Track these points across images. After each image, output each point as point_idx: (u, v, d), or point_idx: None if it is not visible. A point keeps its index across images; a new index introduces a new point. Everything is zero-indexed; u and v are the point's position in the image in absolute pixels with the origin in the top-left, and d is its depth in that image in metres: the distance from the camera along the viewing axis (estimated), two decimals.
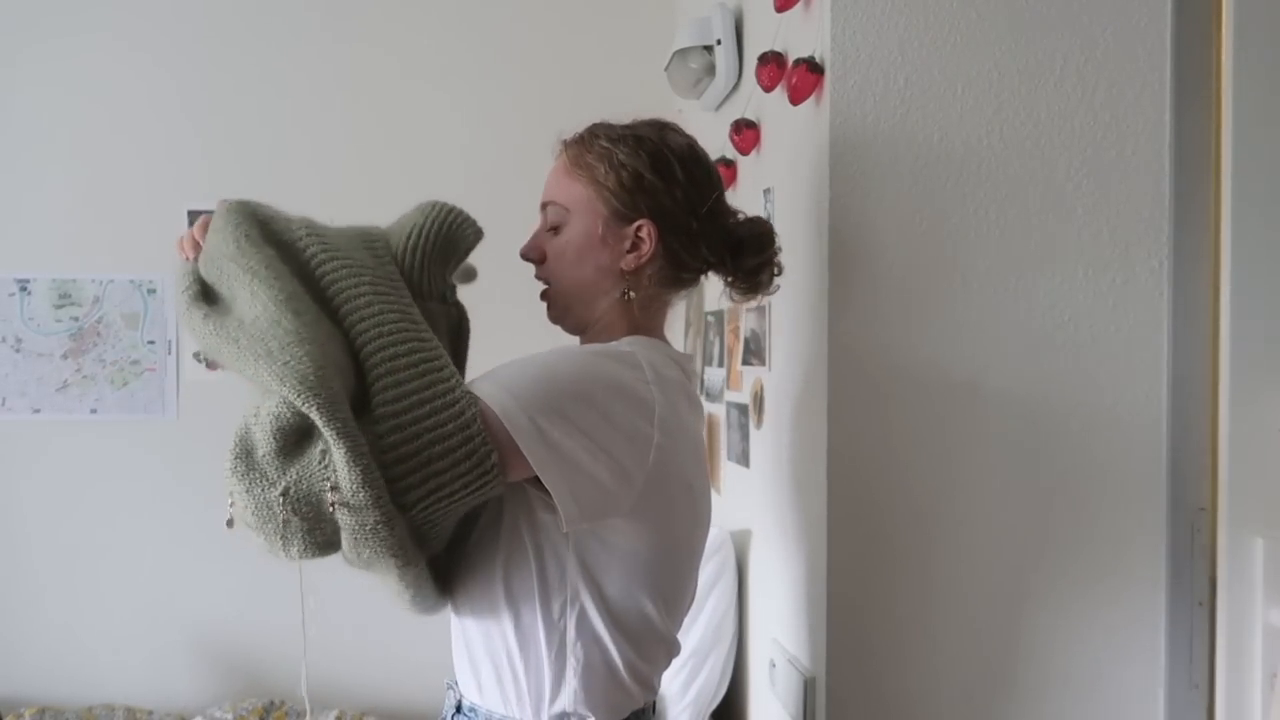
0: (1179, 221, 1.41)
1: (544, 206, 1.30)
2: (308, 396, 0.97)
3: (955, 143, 1.40)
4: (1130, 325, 1.42)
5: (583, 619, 1.17)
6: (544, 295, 1.32)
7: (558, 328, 1.33)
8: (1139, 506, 1.41)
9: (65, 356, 2.65)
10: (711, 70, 1.96)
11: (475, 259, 1.31)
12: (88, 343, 2.65)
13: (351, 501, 0.98)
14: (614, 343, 1.23)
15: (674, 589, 1.23)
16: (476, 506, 1.15)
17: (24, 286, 2.64)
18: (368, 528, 1.00)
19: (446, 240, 1.23)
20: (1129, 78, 1.41)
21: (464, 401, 1.05)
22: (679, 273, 1.29)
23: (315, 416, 0.97)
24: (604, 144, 1.26)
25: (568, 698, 1.17)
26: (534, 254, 1.30)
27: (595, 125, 1.30)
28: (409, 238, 1.20)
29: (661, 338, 1.33)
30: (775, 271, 1.35)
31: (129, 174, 2.65)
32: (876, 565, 1.40)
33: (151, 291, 2.66)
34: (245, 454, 1.05)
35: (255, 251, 1.09)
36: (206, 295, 1.13)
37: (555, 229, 1.28)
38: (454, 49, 2.67)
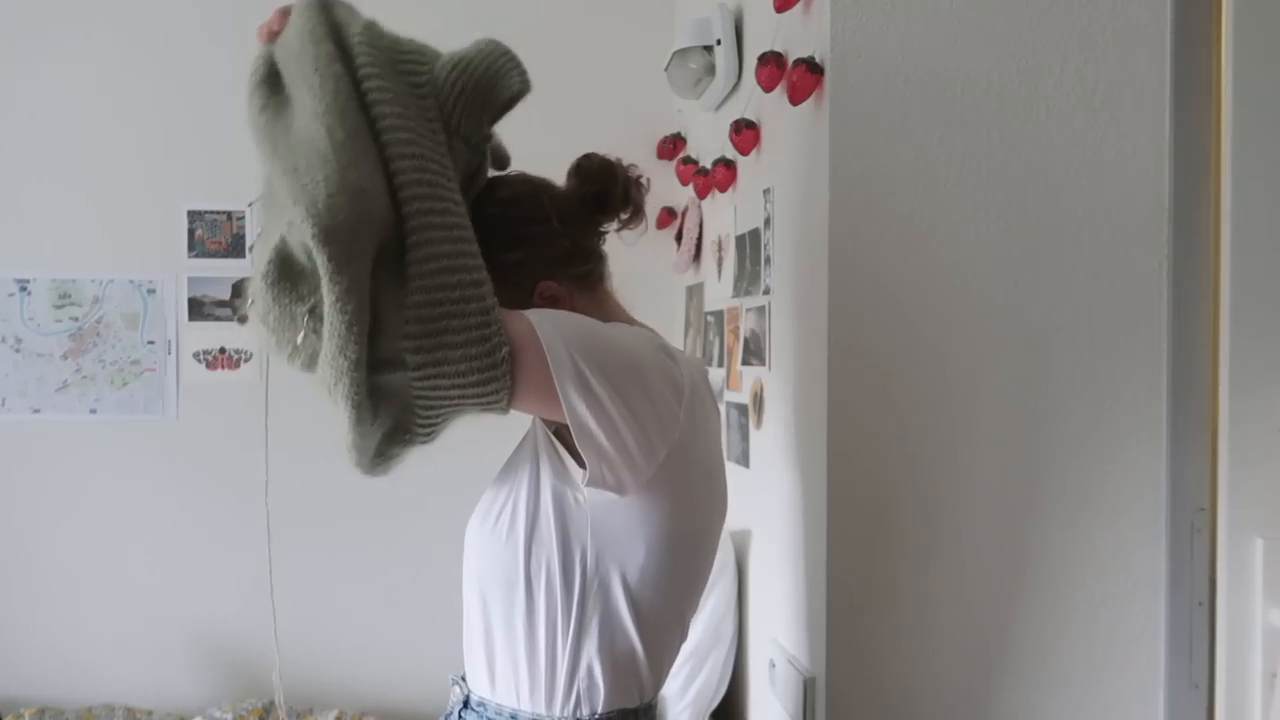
0: (1178, 221, 1.41)
1: None
2: (311, 225, 0.96)
3: (955, 142, 1.40)
4: (1130, 325, 1.42)
5: (605, 605, 1.17)
6: None
7: None
8: (1139, 506, 1.41)
9: (65, 357, 2.65)
10: (711, 70, 1.97)
11: None
12: (87, 343, 2.65)
13: (330, 343, 0.99)
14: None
15: (691, 574, 1.24)
16: (506, 493, 1.16)
17: (24, 287, 2.64)
18: (340, 370, 1.01)
19: (490, 81, 1.19)
20: (1129, 78, 1.41)
21: (489, 288, 1.05)
22: (593, 277, 1.28)
23: (312, 246, 0.97)
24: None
25: (583, 686, 1.17)
26: None
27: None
28: (453, 68, 1.17)
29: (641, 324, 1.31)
30: (633, 183, 1.30)
31: (129, 174, 2.65)
32: (876, 565, 1.40)
33: (151, 292, 2.66)
34: (281, 262, 1.03)
35: (314, 50, 1.06)
36: (272, 84, 1.10)
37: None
38: (452, 48, 2.67)
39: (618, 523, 1.16)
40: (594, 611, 1.17)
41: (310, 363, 1.05)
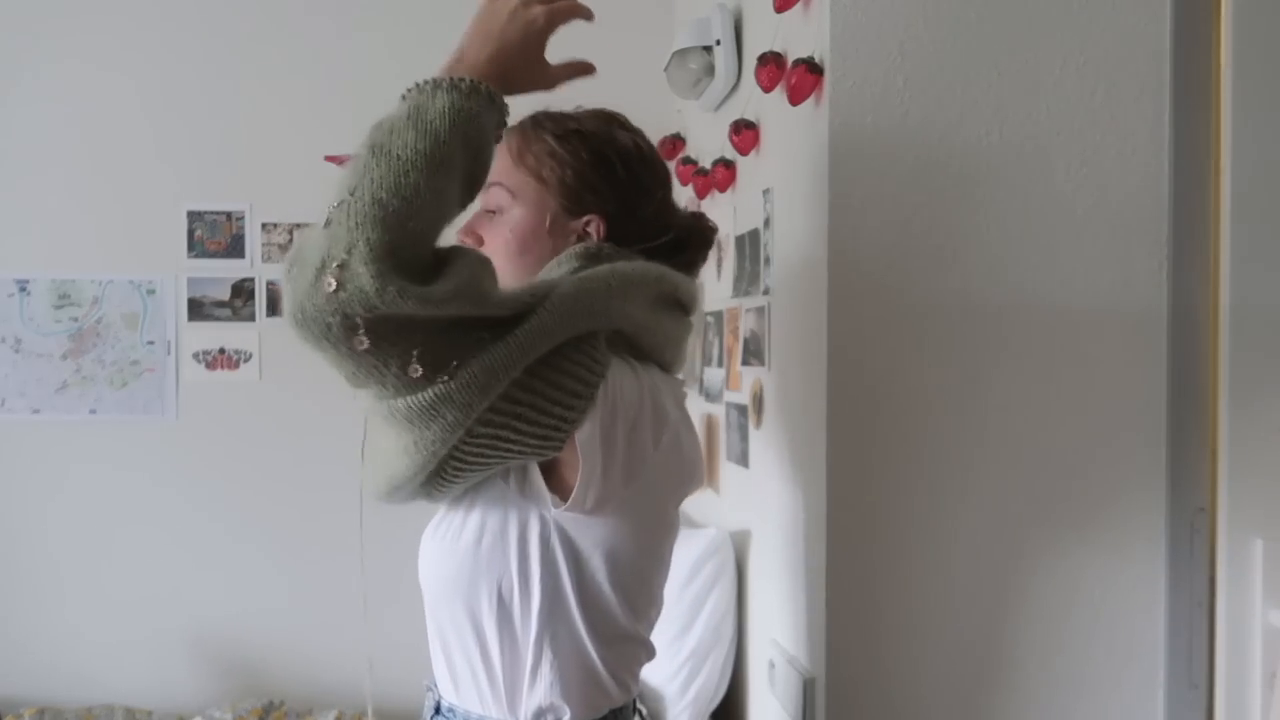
0: (1178, 221, 1.41)
1: (488, 186, 1.23)
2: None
3: (955, 143, 1.40)
4: (1130, 325, 1.42)
5: (557, 616, 1.16)
6: None
7: None
8: (1138, 507, 1.41)
9: (65, 357, 2.65)
10: (711, 71, 1.96)
11: None
12: (87, 343, 2.65)
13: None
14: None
15: (641, 593, 1.23)
16: (467, 501, 1.17)
17: (23, 287, 2.64)
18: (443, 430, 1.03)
19: None
20: (1128, 78, 1.41)
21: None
22: (636, 247, 1.26)
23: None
24: (549, 139, 1.25)
25: (543, 693, 1.16)
26: (470, 237, 1.26)
27: (539, 115, 1.28)
28: None
29: None
30: (703, 261, 1.35)
31: (128, 175, 2.65)
32: (876, 566, 1.40)
33: (151, 292, 2.66)
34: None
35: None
36: None
37: (493, 212, 1.25)
38: (452, 49, 2.67)
39: (571, 538, 1.15)
40: (549, 624, 1.15)
41: (399, 392, 1.03)
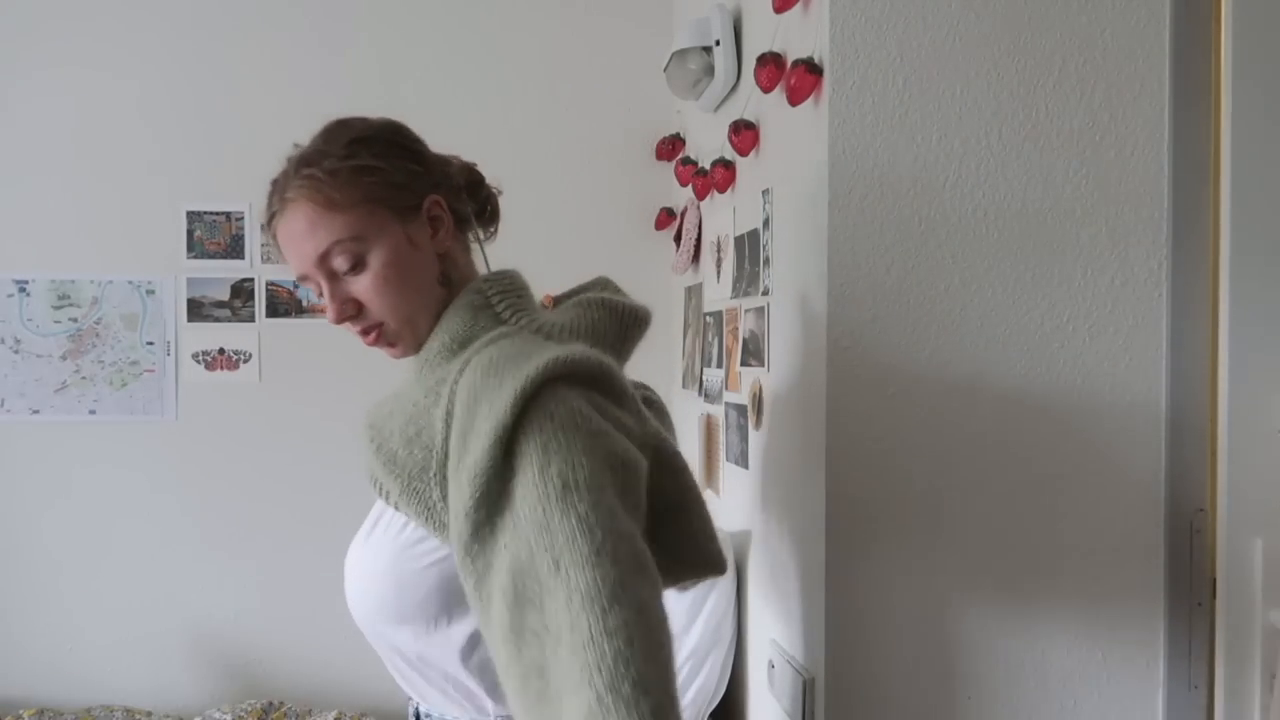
0: (1178, 222, 1.41)
1: (323, 257, 1.14)
2: None
3: (954, 143, 1.40)
4: (1129, 326, 1.42)
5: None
6: (379, 339, 1.19)
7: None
8: (1138, 507, 1.41)
9: (64, 358, 2.65)
10: (710, 71, 1.96)
11: None
12: (86, 344, 2.65)
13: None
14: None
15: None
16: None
17: (23, 288, 2.64)
18: None
19: None
20: (1128, 78, 1.41)
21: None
22: (461, 226, 1.25)
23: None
24: (338, 164, 1.14)
25: (491, 694, 1.14)
26: (352, 309, 1.16)
27: (303, 157, 1.17)
28: None
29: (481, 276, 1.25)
30: (495, 205, 1.32)
31: (127, 175, 2.65)
32: (875, 566, 1.40)
33: (150, 292, 2.66)
34: None
35: None
36: None
37: (355, 267, 1.14)
38: (451, 51, 2.67)
39: None
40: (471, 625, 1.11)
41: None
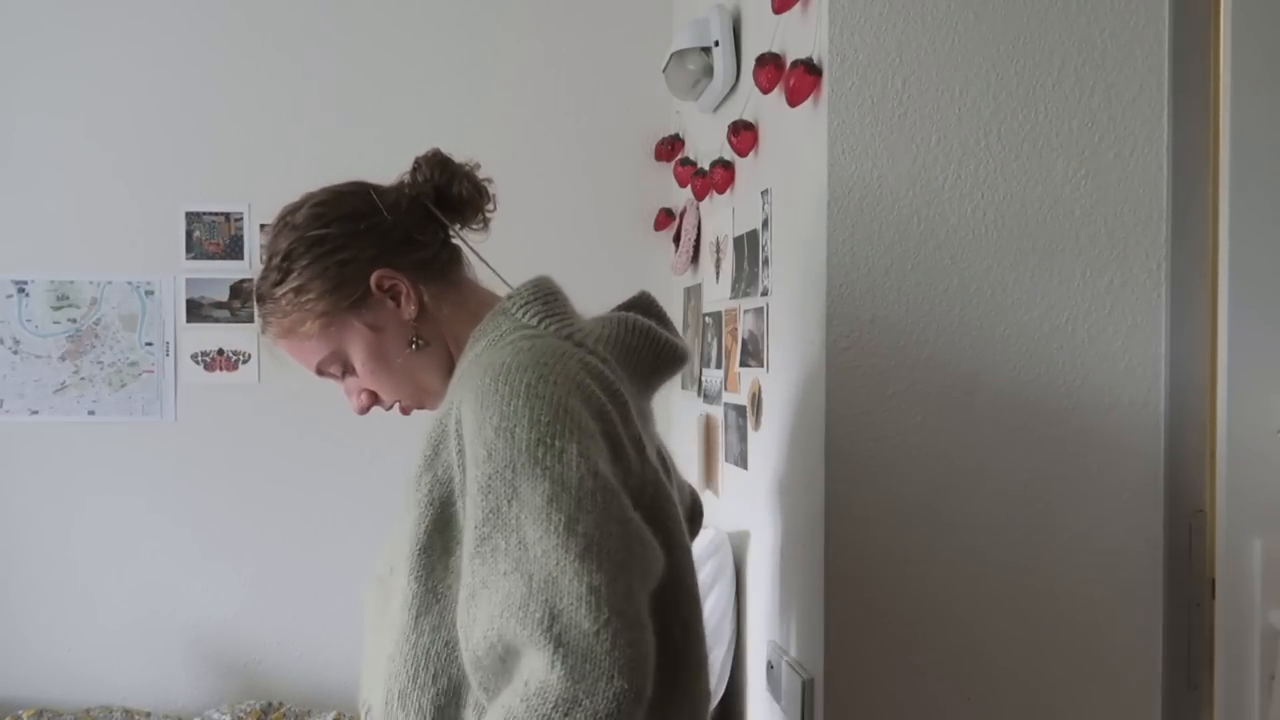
0: (1177, 223, 1.41)
1: (320, 372, 1.23)
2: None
3: (953, 144, 1.40)
4: (1128, 327, 1.42)
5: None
6: (409, 409, 1.27)
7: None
8: (1137, 508, 1.42)
9: (63, 358, 2.65)
10: (709, 72, 1.96)
11: None
12: (85, 344, 2.65)
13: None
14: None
15: None
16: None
17: (22, 288, 2.64)
18: None
19: None
20: (1127, 79, 1.41)
21: None
22: (437, 265, 1.22)
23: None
24: (280, 280, 1.17)
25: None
26: (367, 399, 1.24)
27: (255, 287, 1.22)
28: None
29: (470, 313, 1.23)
30: (467, 175, 1.25)
31: (127, 175, 2.65)
32: (875, 566, 1.40)
33: (149, 293, 2.66)
34: None
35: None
36: None
37: (347, 372, 1.22)
38: (451, 50, 2.67)
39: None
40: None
41: None
